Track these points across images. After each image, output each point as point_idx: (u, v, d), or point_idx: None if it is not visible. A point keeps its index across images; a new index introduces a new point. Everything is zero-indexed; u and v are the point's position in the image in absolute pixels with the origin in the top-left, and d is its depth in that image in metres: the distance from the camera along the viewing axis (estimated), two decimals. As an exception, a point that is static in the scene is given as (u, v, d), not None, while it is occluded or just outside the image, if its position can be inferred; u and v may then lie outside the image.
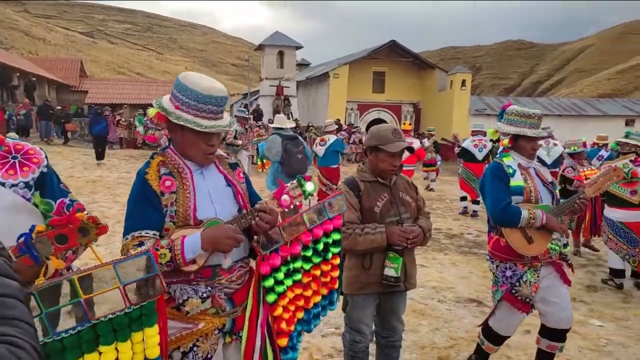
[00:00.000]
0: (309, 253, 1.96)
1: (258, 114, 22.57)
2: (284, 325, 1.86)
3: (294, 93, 26.29)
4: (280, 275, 1.85)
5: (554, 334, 2.92)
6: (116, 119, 20.14)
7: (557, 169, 7.10)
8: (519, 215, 2.74)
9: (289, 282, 1.89)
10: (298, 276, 1.93)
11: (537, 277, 2.84)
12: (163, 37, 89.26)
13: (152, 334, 1.49)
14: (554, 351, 2.97)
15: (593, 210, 5.88)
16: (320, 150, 8.03)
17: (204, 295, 1.76)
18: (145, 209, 1.75)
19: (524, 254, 2.79)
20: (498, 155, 3.06)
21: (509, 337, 3.08)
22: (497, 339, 3.06)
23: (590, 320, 4.30)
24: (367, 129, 23.49)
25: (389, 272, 2.52)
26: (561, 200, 2.92)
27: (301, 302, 1.96)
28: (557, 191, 2.99)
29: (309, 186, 1.91)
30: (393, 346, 2.83)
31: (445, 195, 12.03)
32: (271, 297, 1.83)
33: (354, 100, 26.75)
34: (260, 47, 27.10)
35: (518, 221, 2.75)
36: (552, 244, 2.86)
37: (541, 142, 8.50)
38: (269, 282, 1.83)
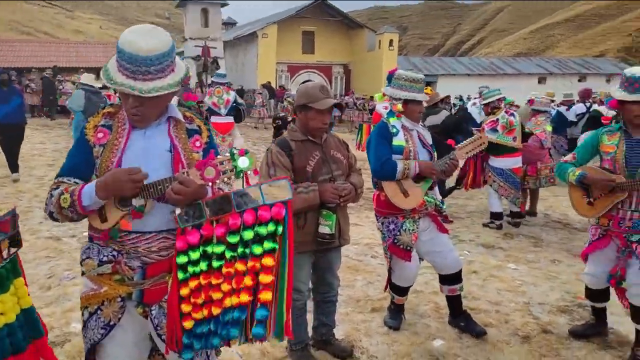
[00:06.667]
0: (234, 239, 1.65)
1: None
2: (187, 307, 1.66)
3: (221, 54, 25.29)
4: (195, 255, 1.66)
5: (449, 279, 3.21)
6: (24, 85, 18.32)
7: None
8: (395, 168, 2.96)
9: (203, 265, 1.66)
10: (217, 263, 1.66)
11: (417, 227, 3.07)
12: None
13: (21, 283, 1.63)
14: (456, 293, 3.26)
15: (475, 165, 6.29)
16: None
17: (104, 258, 1.73)
18: (75, 156, 1.79)
19: (401, 207, 3.01)
20: (386, 116, 3.20)
21: (411, 286, 3.32)
22: (401, 290, 3.30)
23: (507, 264, 4.71)
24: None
25: (324, 229, 2.58)
26: (435, 161, 3.14)
27: (218, 295, 1.66)
28: (435, 153, 3.23)
29: (243, 162, 1.64)
30: (330, 301, 2.94)
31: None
32: (180, 275, 1.67)
33: (284, 62, 26.28)
34: (181, 4, 25.58)
35: (395, 173, 2.96)
36: (428, 196, 3.10)
37: (475, 100, 9.02)
38: (181, 259, 1.66)
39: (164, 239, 1.77)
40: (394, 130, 3.06)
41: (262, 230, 1.66)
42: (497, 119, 5.73)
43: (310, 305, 2.99)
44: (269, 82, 22.54)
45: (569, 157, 3.09)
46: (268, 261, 1.64)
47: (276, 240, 1.67)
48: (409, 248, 3.06)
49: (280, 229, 1.67)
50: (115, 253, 1.74)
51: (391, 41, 26.02)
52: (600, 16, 64.96)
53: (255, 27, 26.37)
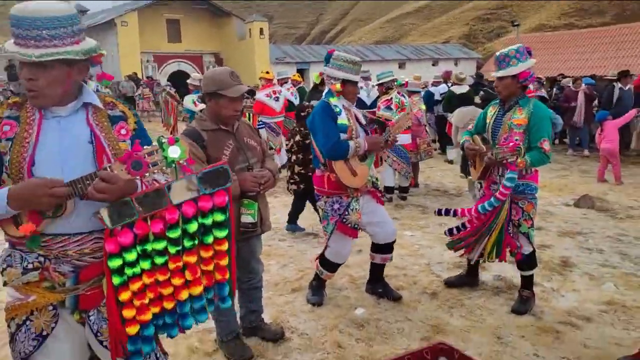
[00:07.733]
0: (175, 234, 1.56)
1: (12, 74, 17.61)
2: (129, 312, 1.54)
3: (74, 45, 22.74)
4: (132, 256, 1.52)
5: (384, 248, 3.42)
6: None
7: (374, 109, 8.11)
8: (347, 147, 3.06)
9: (145, 264, 1.55)
10: (160, 260, 1.56)
11: (359, 205, 3.22)
12: None
13: None
14: (386, 262, 3.49)
15: None
16: None
17: (29, 266, 1.55)
18: None
19: (351, 186, 3.13)
20: (324, 97, 3.25)
21: (343, 263, 3.44)
22: (333, 267, 3.41)
23: (404, 232, 5.10)
24: (169, 81, 22.05)
25: (246, 218, 2.54)
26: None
27: (168, 291, 1.59)
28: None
29: (173, 151, 1.50)
30: (256, 287, 2.92)
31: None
32: (116, 280, 1.52)
33: (149, 52, 24.61)
34: (20, -11, 22.38)
35: (348, 152, 3.06)
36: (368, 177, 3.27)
37: (361, 84, 9.42)
38: (115, 263, 1.51)
39: (97, 239, 1.60)
40: (337, 109, 3.11)
41: (208, 221, 1.60)
42: (391, 98, 6.16)
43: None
44: (135, 74, 20.97)
45: (471, 126, 3.47)
46: (223, 247, 1.65)
47: (225, 226, 1.65)
48: (356, 226, 3.18)
49: (227, 214, 1.64)
50: (41, 259, 1.54)
51: (261, 30, 25.91)
52: (443, 7, 72.28)
53: (112, 15, 24.21)
